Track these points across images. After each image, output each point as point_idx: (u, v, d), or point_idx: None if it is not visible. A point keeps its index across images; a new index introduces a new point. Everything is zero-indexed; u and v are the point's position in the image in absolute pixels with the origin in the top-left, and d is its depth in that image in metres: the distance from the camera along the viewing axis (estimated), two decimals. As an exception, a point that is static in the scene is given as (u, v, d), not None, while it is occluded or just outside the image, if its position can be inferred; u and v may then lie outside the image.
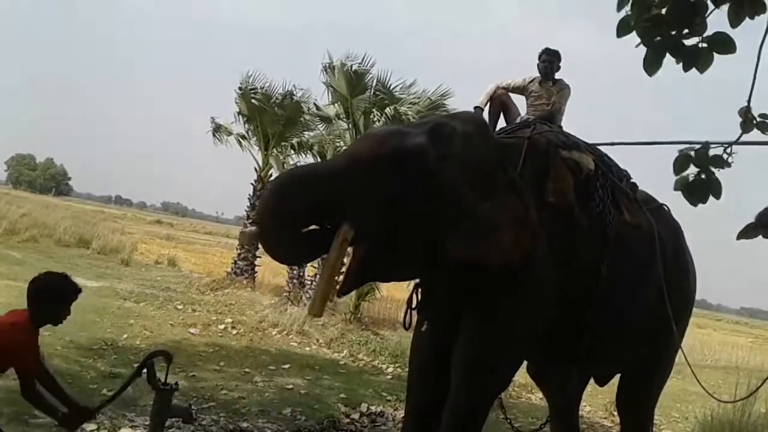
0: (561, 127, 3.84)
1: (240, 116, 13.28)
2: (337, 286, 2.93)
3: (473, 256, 2.84)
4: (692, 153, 2.37)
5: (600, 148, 3.69)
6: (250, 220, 11.76)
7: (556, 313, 3.14)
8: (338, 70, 10.41)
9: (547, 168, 3.27)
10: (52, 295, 2.75)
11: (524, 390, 7.27)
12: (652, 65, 2.26)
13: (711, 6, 2.21)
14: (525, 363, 3.77)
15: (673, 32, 2.24)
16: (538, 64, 4.04)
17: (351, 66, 10.18)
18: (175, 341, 7.12)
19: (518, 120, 3.95)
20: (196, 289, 11.68)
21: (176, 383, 3.03)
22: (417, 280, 3.38)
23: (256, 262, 13.10)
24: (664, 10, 2.25)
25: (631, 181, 3.81)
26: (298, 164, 11.11)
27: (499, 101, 4.08)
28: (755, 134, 2.37)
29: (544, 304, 3.11)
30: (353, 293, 9.44)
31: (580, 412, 4.87)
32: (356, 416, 5.31)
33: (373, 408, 5.55)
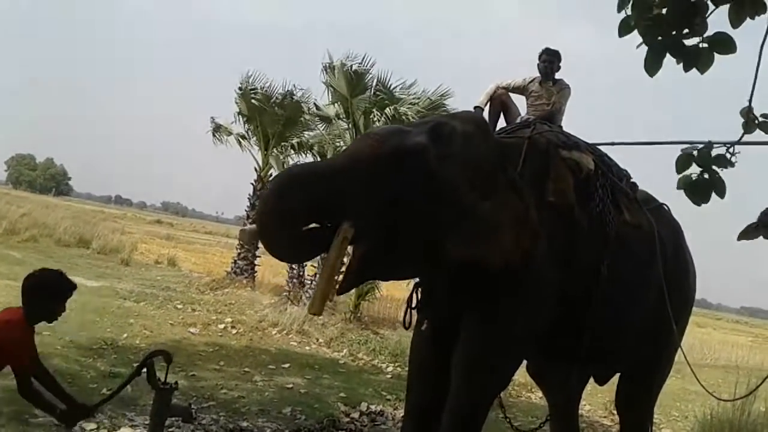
0: (561, 127, 3.83)
1: (240, 116, 13.28)
2: (337, 285, 2.93)
3: (473, 255, 2.84)
4: (694, 153, 2.37)
5: (600, 148, 3.69)
6: (250, 220, 11.76)
7: (557, 313, 3.14)
8: (338, 70, 10.39)
9: (548, 168, 3.27)
10: (47, 292, 2.74)
11: (524, 389, 7.27)
12: (652, 65, 2.26)
13: (711, 6, 2.21)
14: (525, 362, 3.78)
15: (674, 32, 2.24)
16: (538, 64, 4.04)
17: (351, 66, 10.17)
18: (175, 341, 7.12)
19: (518, 120, 3.95)
20: (196, 288, 11.66)
21: (176, 382, 3.03)
22: (417, 280, 3.38)
23: (255, 262, 13.11)
24: (664, 10, 2.25)
25: (631, 180, 3.81)
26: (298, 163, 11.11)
27: (499, 101, 4.08)
28: (757, 134, 2.37)
29: (544, 304, 3.11)
30: (353, 292, 9.47)
31: (579, 411, 4.87)
32: (356, 415, 5.30)
33: (372, 407, 5.54)
